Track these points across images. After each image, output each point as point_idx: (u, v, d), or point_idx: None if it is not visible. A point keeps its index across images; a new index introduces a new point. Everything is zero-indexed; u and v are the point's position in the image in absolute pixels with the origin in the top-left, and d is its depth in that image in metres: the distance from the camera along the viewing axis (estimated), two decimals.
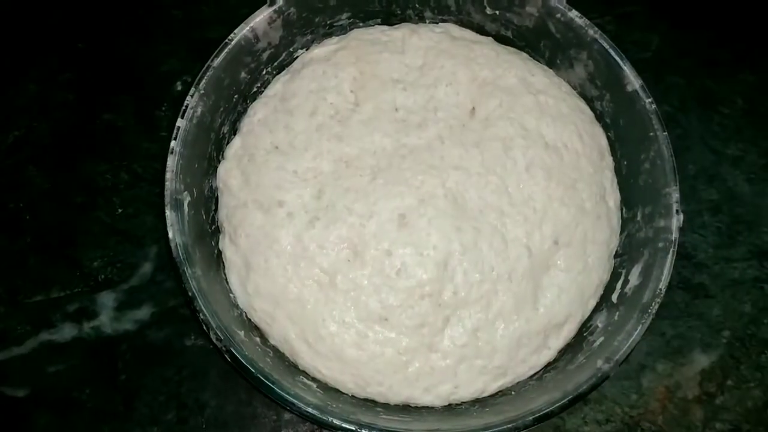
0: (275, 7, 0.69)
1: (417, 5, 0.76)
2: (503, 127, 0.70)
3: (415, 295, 0.65)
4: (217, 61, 0.67)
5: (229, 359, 0.59)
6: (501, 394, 0.66)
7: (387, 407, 0.65)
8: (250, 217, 0.67)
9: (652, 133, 0.66)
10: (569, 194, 0.68)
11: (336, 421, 0.57)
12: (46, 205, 0.79)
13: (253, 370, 0.58)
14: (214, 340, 0.59)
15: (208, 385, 0.73)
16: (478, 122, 0.71)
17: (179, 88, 0.83)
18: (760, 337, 0.76)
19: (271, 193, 0.67)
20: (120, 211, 0.79)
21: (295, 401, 0.58)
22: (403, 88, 0.71)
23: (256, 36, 0.69)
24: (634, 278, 0.66)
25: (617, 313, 0.66)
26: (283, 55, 0.74)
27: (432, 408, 0.66)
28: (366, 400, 0.65)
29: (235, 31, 0.68)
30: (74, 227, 0.78)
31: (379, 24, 0.77)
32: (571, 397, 0.59)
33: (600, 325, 0.67)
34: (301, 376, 0.65)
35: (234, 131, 0.73)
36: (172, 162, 0.63)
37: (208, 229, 0.69)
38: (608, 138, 0.73)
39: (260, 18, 0.69)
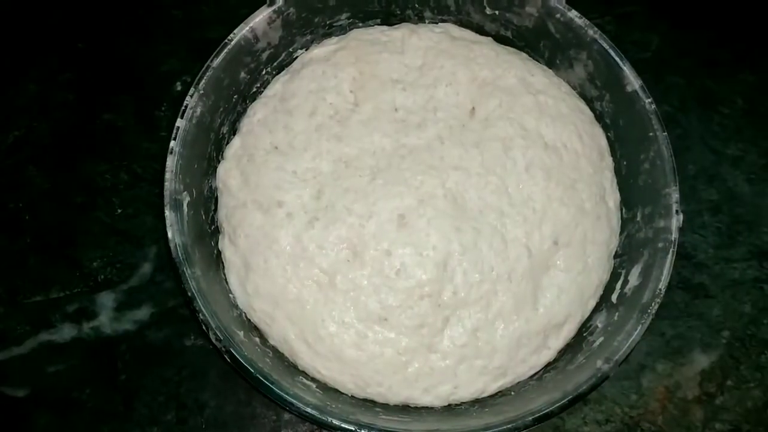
0: (275, 7, 0.69)
1: (416, 5, 0.76)
2: (503, 128, 0.70)
3: (415, 296, 0.65)
4: (216, 62, 0.67)
5: (228, 359, 0.59)
6: (501, 394, 0.66)
7: (386, 407, 0.65)
8: (250, 217, 0.67)
9: (651, 134, 0.66)
10: (569, 194, 0.68)
11: (335, 422, 0.57)
12: (46, 205, 0.79)
13: (252, 371, 0.58)
14: (214, 341, 0.60)
15: (207, 385, 0.73)
16: (478, 122, 0.71)
17: (179, 88, 0.83)
18: (760, 338, 0.76)
19: (271, 193, 0.67)
20: (120, 211, 0.79)
21: (294, 401, 0.58)
22: (402, 88, 0.71)
23: (256, 36, 0.69)
24: (633, 278, 0.66)
25: (617, 313, 0.66)
26: (283, 55, 0.74)
27: (431, 408, 0.66)
28: (365, 400, 0.65)
29: (235, 31, 0.68)
30: (74, 227, 0.78)
31: (378, 24, 0.77)
32: (570, 397, 0.59)
33: (600, 325, 0.67)
34: (301, 377, 0.65)
35: (233, 131, 0.73)
36: (171, 162, 0.63)
37: (207, 229, 0.69)
38: (608, 138, 0.73)
39: (260, 18, 0.69)
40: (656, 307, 0.61)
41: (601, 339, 0.65)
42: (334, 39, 0.75)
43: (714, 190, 0.81)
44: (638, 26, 0.88)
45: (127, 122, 0.82)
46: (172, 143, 0.63)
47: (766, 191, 0.81)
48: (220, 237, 0.70)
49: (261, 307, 0.66)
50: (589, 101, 0.74)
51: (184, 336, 0.74)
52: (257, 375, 0.58)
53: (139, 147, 0.81)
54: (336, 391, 0.65)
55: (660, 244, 0.64)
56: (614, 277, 0.70)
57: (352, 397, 0.65)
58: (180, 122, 0.64)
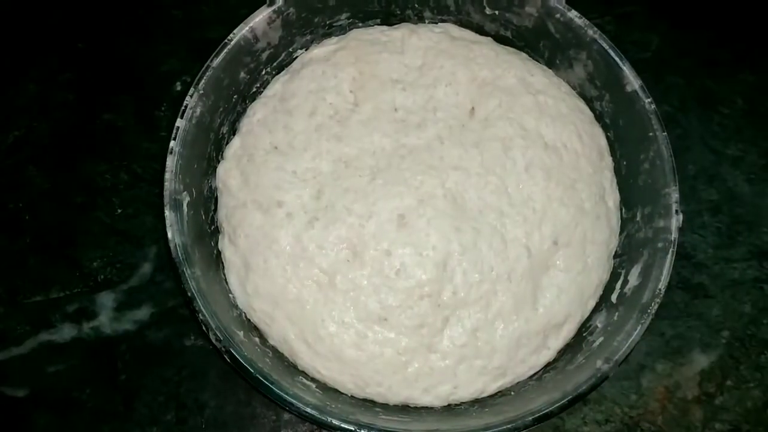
0: (275, 7, 0.69)
1: (416, 5, 0.76)
2: (502, 128, 0.70)
3: (415, 296, 0.65)
4: (216, 62, 0.67)
5: (228, 359, 0.59)
6: (500, 394, 0.66)
7: (386, 407, 0.65)
8: (250, 217, 0.67)
9: (651, 134, 0.66)
10: (568, 194, 0.68)
11: (335, 422, 0.57)
12: (45, 205, 0.79)
13: (252, 371, 0.58)
14: (214, 341, 0.60)
15: (207, 385, 0.73)
16: (478, 122, 0.71)
17: (179, 88, 0.83)
18: (760, 338, 0.76)
19: (271, 193, 0.67)
20: (120, 211, 0.79)
21: (294, 401, 0.58)
22: (402, 88, 0.71)
23: (256, 36, 0.69)
24: (633, 278, 0.66)
25: (617, 313, 0.66)
26: (283, 55, 0.74)
27: (431, 408, 0.66)
28: (365, 400, 0.65)
29: (235, 31, 0.68)
30: (74, 227, 0.78)
31: (378, 24, 0.77)
32: (570, 397, 0.59)
33: (599, 325, 0.67)
34: (301, 377, 0.65)
35: (233, 131, 0.73)
36: (171, 162, 0.63)
37: (207, 229, 0.69)
38: (608, 138, 0.73)
39: (260, 18, 0.69)
40: (656, 307, 0.61)
41: (601, 339, 0.65)
42: (334, 39, 0.75)
43: (714, 190, 0.81)
44: (638, 26, 0.88)
45: (127, 122, 0.82)
46: (172, 143, 0.64)
47: (766, 191, 0.81)
48: (220, 237, 0.70)
49: (261, 307, 0.66)
50: (588, 101, 0.74)
51: (184, 336, 0.74)
52: (257, 375, 0.58)
53: (139, 147, 0.81)
54: (336, 391, 0.65)
55: (660, 244, 0.64)
56: (614, 277, 0.70)
57: (352, 397, 0.65)
58: (180, 122, 0.64)
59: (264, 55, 0.72)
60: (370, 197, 0.67)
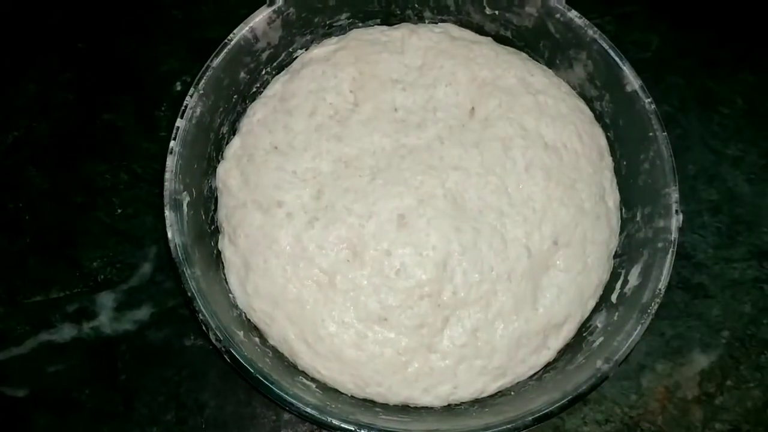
0: (274, 7, 0.69)
1: (416, 5, 0.76)
2: (502, 128, 0.70)
3: (415, 296, 0.65)
4: (216, 62, 0.67)
5: (228, 359, 0.59)
6: (500, 394, 0.66)
7: (386, 407, 0.65)
8: (250, 217, 0.67)
9: (651, 134, 0.66)
10: (568, 194, 0.68)
11: (335, 422, 0.57)
12: (45, 205, 0.79)
13: (252, 371, 0.58)
14: (214, 341, 0.60)
15: (207, 385, 0.73)
16: (478, 122, 0.71)
17: (179, 88, 0.83)
18: (760, 338, 0.76)
19: (271, 193, 0.67)
20: (120, 211, 0.79)
21: (294, 401, 0.58)
22: (402, 88, 0.71)
23: (256, 36, 0.69)
24: (633, 278, 0.66)
25: (617, 313, 0.66)
26: (283, 55, 0.74)
27: (431, 408, 0.66)
28: (365, 400, 0.65)
29: (235, 31, 0.68)
30: (74, 227, 0.78)
31: (378, 24, 0.77)
32: (570, 397, 0.59)
33: (599, 325, 0.67)
34: (301, 377, 0.65)
35: (233, 131, 0.73)
36: (171, 162, 0.63)
37: (207, 229, 0.69)
38: (608, 138, 0.73)
39: (259, 18, 0.69)
40: (656, 307, 0.61)
41: (601, 339, 0.65)
42: (334, 39, 0.75)
43: (714, 190, 0.81)
44: (638, 26, 0.88)
45: (127, 122, 0.82)
46: (172, 143, 0.64)
47: (766, 191, 0.81)
48: (219, 237, 0.70)
49: (261, 307, 0.66)
50: (588, 101, 0.74)
51: (184, 336, 0.74)
52: (257, 375, 0.58)
53: (139, 147, 0.81)
54: (336, 391, 0.65)
55: (660, 244, 0.64)
56: (614, 277, 0.70)
57: (352, 397, 0.65)
58: (180, 122, 0.64)
59: (264, 55, 0.72)
60: (370, 197, 0.67)
